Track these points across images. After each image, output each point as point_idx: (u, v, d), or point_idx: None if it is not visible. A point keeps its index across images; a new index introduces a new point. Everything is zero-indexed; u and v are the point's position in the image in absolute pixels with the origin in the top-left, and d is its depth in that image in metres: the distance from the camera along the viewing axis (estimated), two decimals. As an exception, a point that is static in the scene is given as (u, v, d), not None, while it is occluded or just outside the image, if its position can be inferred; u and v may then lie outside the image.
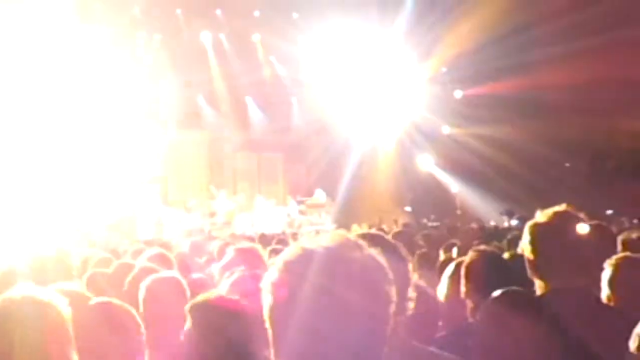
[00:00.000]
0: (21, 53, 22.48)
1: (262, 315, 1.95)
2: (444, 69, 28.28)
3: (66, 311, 2.69)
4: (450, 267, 5.16)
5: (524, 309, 3.21)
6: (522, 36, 24.59)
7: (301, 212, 27.22)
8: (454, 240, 9.58)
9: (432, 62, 28.04)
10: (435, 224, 24.95)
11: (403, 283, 2.89)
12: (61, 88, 23.68)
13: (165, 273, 5.04)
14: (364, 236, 2.98)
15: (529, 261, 3.56)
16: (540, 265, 3.51)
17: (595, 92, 22.38)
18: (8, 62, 22.27)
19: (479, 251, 4.93)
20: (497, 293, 3.35)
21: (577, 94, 22.53)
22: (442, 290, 5.00)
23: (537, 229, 3.58)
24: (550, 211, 3.61)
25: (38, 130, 22.81)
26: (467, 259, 4.75)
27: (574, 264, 3.45)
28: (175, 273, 5.20)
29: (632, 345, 2.59)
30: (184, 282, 4.73)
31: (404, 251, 3.04)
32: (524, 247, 3.61)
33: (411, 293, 2.93)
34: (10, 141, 22.36)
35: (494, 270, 4.54)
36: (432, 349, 2.96)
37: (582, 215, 3.63)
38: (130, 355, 2.87)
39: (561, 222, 3.56)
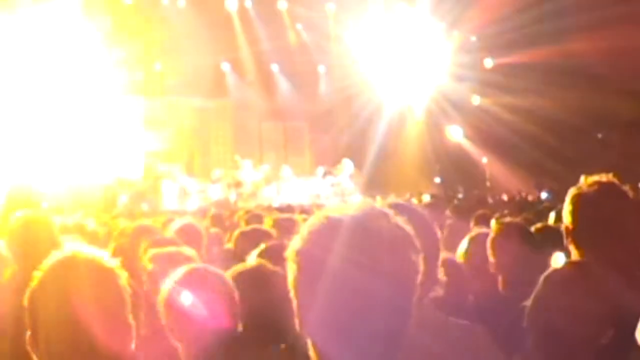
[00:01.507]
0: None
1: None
2: (474, 38, 27.99)
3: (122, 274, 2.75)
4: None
5: (585, 280, 3.09)
6: (554, 3, 24.18)
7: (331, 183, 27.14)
8: (484, 211, 9.47)
9: (462, 31, 27.75)
10: (460, 195, 24.81)
11: (432, 254, 2.83)
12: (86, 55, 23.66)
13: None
14: (393, 206, 2.83)
15: (567, 230, 3.51)
16: (579, 234, 3.46)
17: (629, 61, 22.01)
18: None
19: (502, 223, 4.95)
20: (558, 265, 3.25)
21: (610, 62, 22.20)
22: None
23: (579, 198, 3.49)
24: (593, 180, 3.54)
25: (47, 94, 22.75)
26: (492, 231, 4.72)
27: (613, 236, 3.39)
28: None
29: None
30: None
31: (432, 221, 3.00)
32: (564, 215, 3.55)
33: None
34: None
35: (521, 242, 4.56)
36: (462, 321, 2.94)
37: (625, 187, 3.58)
38: None
39: (604, 193, 3.48)
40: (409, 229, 1.93)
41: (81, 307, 2.56)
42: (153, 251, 4.64)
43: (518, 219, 6.15)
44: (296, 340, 2.15)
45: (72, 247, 2.77)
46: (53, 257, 2.69)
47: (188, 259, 4.36)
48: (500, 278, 4.61)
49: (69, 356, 2.58)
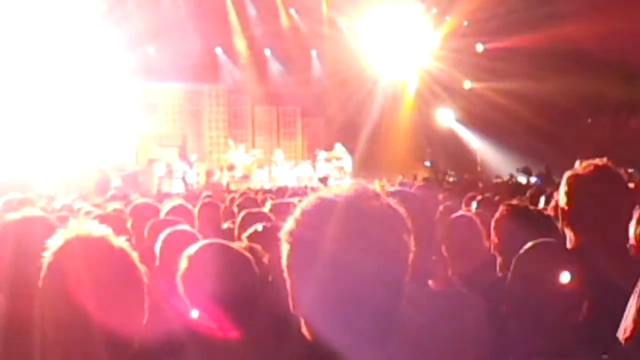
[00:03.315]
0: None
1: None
2: (466, 22, 27.94)
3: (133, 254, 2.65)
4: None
5: (556, 261, 3.15)
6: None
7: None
8: (473, 193, 9.54)
9: (454, 16, 27.72)
10: (452, 179, 24.87)
11: (426, 237, 2.87)
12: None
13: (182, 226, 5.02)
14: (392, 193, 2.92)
15: (563, 211, 3.52)
16: (575, 216, 3.47)
17: (620, 44, 22.03)
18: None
19: (509, 205, 4.83)
20: (529, 244, 3.27)
21: (601, 46, 22.18)
22: None
23: (575, 180, 3.52)
24: (589, 163, 3.55)
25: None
26: (497, 213, 4.68)
27: (608, 217, 3.39)
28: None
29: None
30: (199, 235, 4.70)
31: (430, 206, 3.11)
32: (560, 197, 3.57)
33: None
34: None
35: (524, 225, 4.43)
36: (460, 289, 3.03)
37: (620, 170, 3.61)
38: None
39: (600, 175, 3.50)
40: (400, 209, 1.94)
41: (87, 289, 2.48)
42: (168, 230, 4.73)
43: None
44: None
45: (81, 226, 2.64)
46: (61, 237, 2.60)
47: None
48: (499, 260, 4.55)
49: (74, 338, 2.51)
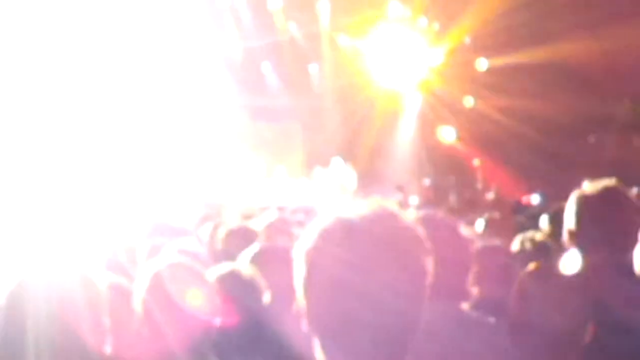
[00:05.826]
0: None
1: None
2: (467, 40, 27.96)
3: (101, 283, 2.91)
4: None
5: (559, 284, 3.25)
6: (549, 4, 24.20)
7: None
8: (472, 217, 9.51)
9: (455, 32, 27.73)
10: (451, 197, 24.94)
11: (463, 268, 2.94)
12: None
13: None
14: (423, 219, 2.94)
15: (570, 232, 3.56)
16: (582, 236, 3.52)
17: (624, 63, 22.02)
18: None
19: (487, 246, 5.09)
20: (530, 267, 3.39)
21: (605, 64, 22.19)
22: None
23: (585, 201, 3.55)
24: (599, 184, 3.63)
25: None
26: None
27: (616, 239, 3.48)
28: None
29: None
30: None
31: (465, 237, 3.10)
32: (567, 217, 3.60)
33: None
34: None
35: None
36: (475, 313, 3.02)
37: (630, 193, 3.74)
38: None
39: (609, 196, 3.57)
40: (419, 229, 1.92)
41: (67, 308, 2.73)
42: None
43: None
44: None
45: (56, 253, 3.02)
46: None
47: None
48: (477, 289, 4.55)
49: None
